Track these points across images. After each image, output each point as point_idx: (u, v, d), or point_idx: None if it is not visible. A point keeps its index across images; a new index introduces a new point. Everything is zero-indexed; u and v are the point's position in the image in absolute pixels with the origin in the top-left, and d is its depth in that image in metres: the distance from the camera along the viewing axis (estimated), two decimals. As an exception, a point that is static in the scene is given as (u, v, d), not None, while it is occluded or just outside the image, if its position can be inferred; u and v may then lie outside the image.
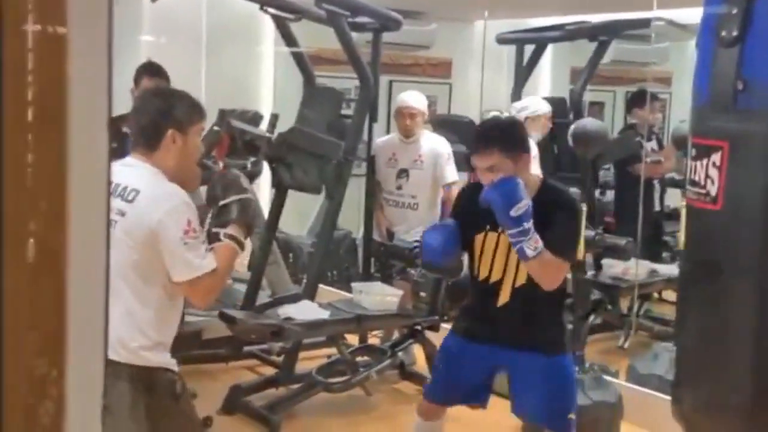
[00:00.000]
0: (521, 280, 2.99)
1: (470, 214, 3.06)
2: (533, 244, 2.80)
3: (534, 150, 5.14)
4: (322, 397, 4.46)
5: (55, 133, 0.62)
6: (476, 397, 3.26)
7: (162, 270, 2.35)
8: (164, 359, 2.40)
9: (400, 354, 4.72)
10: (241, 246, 2.54)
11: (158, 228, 2.31)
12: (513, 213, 2.78)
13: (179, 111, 2.46)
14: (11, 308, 0.65)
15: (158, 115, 2.44)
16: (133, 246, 2.31)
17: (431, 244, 3.09)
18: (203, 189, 2.76)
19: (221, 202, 2.56)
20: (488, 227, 3.00)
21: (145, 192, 2.35)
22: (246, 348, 4.93)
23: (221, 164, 4.18)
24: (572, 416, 3.07)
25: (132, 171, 2.40)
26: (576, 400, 3.23)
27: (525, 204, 2.79)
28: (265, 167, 4.62)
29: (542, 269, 2.89)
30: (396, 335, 5.04)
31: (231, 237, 2.50)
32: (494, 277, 3.04)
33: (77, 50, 0.68)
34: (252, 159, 4.39)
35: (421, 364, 4.88)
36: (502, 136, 2.99)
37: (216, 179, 2.66)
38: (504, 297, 3.03)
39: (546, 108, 5.29)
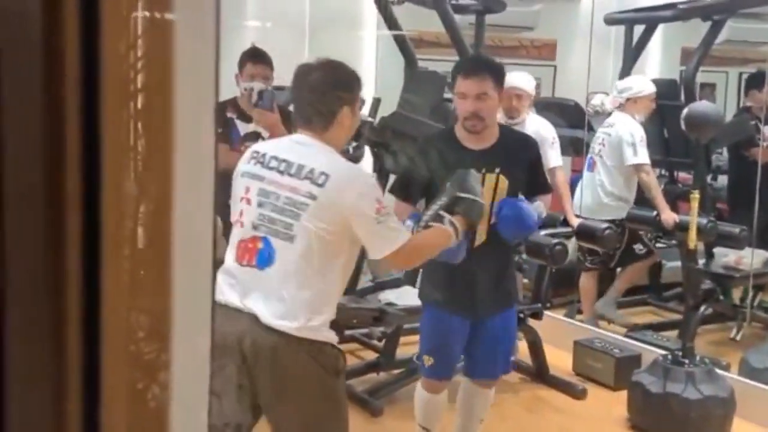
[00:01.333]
0: (480, 240, 3.13)
1: (434, 160, 3.16)
2: (540, 210, 3.13)
3: (640, 132, 5.02)
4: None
5: (162, 119, 0.60)
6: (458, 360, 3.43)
7: (346, 249, 2.42)
8: (331, 335, 2.45)
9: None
10: (457, 235, 2.67)
11: (352, 211, 2.35)
12: (535, 223, 3.08)
13: (350, 87, 2.47)
14: (118, 292, 0.63)
15: (332, 91, 2.41)
16: (323, 228, 2.35)
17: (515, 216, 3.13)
18: None
19: (459, 194, 2.73)
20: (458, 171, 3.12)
21: (335, 176, 2.36)
22: (347, 332, 4.94)
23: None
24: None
25: (310, 150, 2.41)
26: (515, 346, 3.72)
27: (534, 215, 3.04)
28: (367, 151, 4.61)
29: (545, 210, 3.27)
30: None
31: (451, 223, 2.66)
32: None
33: (185, 36, 0.66)
34: (354, 143, 4.38)
35: (523, 352, 4.81)
36: (496, 66, 3.14)
37: (463, 174, 2.81)
38: (481, 237, 3.12)
39: (650, 88, 5.12)
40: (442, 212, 2.69)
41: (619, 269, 5.49)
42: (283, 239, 2.37)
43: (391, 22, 5.00)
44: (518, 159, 3.15)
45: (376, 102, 4.63)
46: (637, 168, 5.06)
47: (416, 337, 4.93)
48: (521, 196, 3.11)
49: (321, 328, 2.40)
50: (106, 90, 0.54)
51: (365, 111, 4.57)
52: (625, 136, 5.05)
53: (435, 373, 3.33)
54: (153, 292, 0.65)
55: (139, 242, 0.64)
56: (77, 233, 0.57)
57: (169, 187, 0.59)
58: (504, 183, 3.09)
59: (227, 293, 2.41)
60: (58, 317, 0.56)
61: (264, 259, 2.39)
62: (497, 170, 3.08)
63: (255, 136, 4.01)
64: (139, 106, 0.64)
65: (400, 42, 5.11)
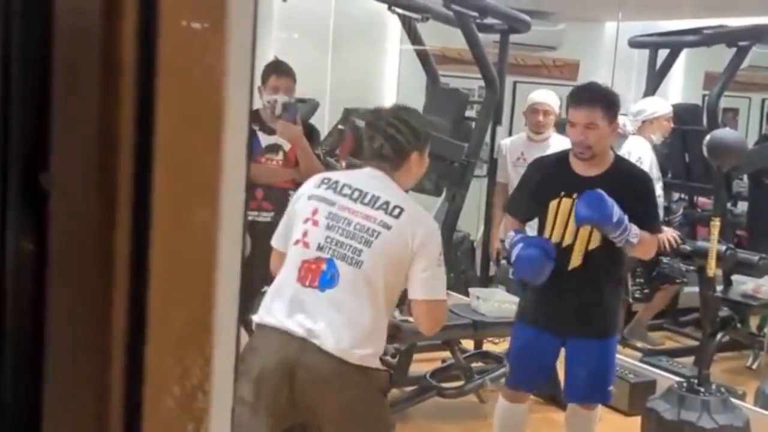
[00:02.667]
0: (594, 244, 3.14)
1: (544, 181, 3.26)
2: (634, 232, 3.01)
3: (640, 153, 5.01)
4: (436, 401, 4.42)
5: (207, 134, 0.60)
6: (543, 383, 3.63)
7: (400, 285, 2.47)
8: (379, 362, 2.49)
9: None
10: None
11: (420, 246, 2.40)
12: (615, 220, 2.96)
13: (423, 135, 2.56)
14: (160, 299, 0.63)
15: (408, 136, 2.51)
16: (390, 259, 2.41)
17: (530, 259, 3.16)
18: None
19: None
20: (563, 193, 3.15)
21: (409, 211, 2.44)
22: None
23: (343, 163, 4.20)
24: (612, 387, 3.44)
25: (383, 184, 2.49)
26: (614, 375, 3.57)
27: (616, 212, 2.96)
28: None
29: (642, 247, 3.15)
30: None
31: None
32: (566, 242, 3.17)
33: (228, 48, 0.66)
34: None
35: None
36: (607, 97, 3.17)
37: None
38: (576, 261, 3.15)
39: (665, 109, 5.11)
40: None
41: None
42: (349, 263, 2.40)
43: (414, 38, 5.02)
44: (626, 191, 3.11)
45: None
46: None
47: (429, 354, 4.92)
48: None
49: (374, 354, 2.43)
50: (160, 102, 0.54)
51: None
52: (624, 156, 5.06)
53: (511, 381, 3.46)
54: (193, 296, 0.65)
55: (185, 251, 0.64)
56: (126, 235, 0.57)
57: (215, 198, 0.59)
58: None
59: (278, 315, 2.42)
60: (105, 300, 0.56)
61: (326, 280, 2.41)
62: None
63: (276, 149, 4.02)
64: (184, 116, 0.64)
65: (423, 58, 5.13)
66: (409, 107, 2.67)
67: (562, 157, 3.33)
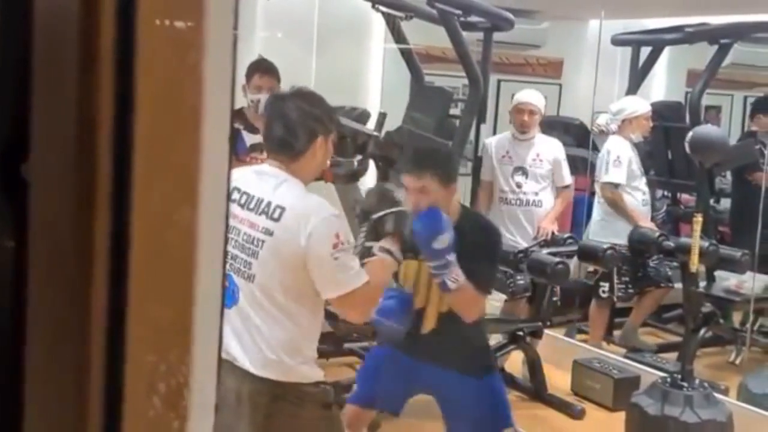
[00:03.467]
0: (446, 306, 2.97)
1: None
2: (454, 276, 2.77)
3: (618, 152, 5.01)
4: (422, 398, 4.42)
5: (186, 131, 0.60)
6: (394, 406, 3.35)
7: (311, 287, 2.27)
8: (316, 373, 2.35)
9: (499, 359, 4.64)
10: (396, 258, 2.52)
11: (307, 245, 2.21)
12: (436, 246, 2.73)
13: (326, 116, 2.38)
14: (139, 295, 0.63)
15: (308, 121, 2.32)
16: (282, 266, 2.23)
17: (389, 313, 2.90)
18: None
19: (375, 216, 2.55)
20: (410, 254, 2.88)
21: (291, 209, 2.24)
22: (346, 345, 4.94)
23: (327, 162, 4.19)
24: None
25: (270, 183, 2.30)
26: (510, 416, 3.23)
27: (448, 237, 2.75)
28: (371, 166, 4.61)
29: (462, 301, 2.88)
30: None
31: (385, 250, 2.49)
32: (419, 304, 3.01)
33: (207, 46, 0.66)
34: (358, 157, 4.39)
35: (521, 370, 4.79)
36: (438, 163, 2.96)
37: (369, 193, 2.67)
38: (429, 323, 3.03)
39: (644, 108, 5.15)
40: (368, 243, 2.53)
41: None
42: (244, 278, 2.26)
43: (398, 36, 5.02)
44: (471, 244, 2.87)
45: (382, 116, 4.63)
46: (602, 187, 5.10)
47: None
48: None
49: (302, 368, 2.30)
50: (139, 99, 0.54)
51: (371, 125, 4.58)
52: (603, 155, 5.12)
53: (354, 398, 3.26)
54: (172, 300, 0.65)
55: (163, 251, 0.64)
56: (105, 237, 0.57)
57: (194, 197, 0.59)
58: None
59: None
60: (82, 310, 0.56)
61: (229, 297, 2.25)
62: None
63: (260, 147, 4.01)
64: (160, 114, 0.64)
65: (407, 56, 5.13)
66: (309, 90, 2.45)
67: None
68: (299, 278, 2.24)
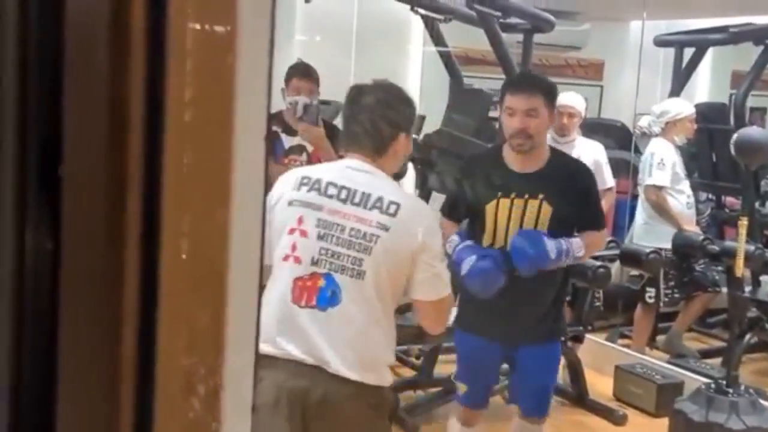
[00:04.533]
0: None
1: (478, 181, 3.06)
2: (576, 248, 2.90)
3: (663, 154, 4.95)
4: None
5: (218, 133, 0.60)
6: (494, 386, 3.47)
7: (403, 287, 2.22)
8: (390, 375, 2.29)
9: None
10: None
11: (423, 243, 2.15)
12: (553, 257, 2.84)
13: (408, 113, 2.30)
14: (168, 308, 0.63)
15: (391, 117, 2.23)
16: (393, 262, 2.16)
17: (483, 272, 2.91)
18: None
19: None
20: (500, 194, 2.95)
21: (407, 205, 2.18)
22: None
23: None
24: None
25: (369, 178, 2.21)
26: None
27: (554, 249, 2.83)
28: (410, 168, 4.60)
29: (589, 252, 3.06)
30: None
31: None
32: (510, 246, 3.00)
33: (241, 49, 0.66)
34: (398, 160, 4.37)
35: (562, 375, 4.74)
36: (549, 86, 3.01)
37: None
38: None
39: (688, 110, 5.08)
40: None
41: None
42: (351, 276, 2.14)
43: (437, 39, 5.01)
44: (567, 187, 2.95)
45: (421, 119, 4.62)
46: (646, 189, 5.03)
47: (454, 356, 4.90)
48: (543, 230, 2.92)
49: (387, 370, 2.25)
50: (170, 100, 0.54)
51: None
52: (647, 158, 5.05)
53: (470, 401, 3.27)
54: (203, 306, 0.65)
55: (186, 257, 0.64)
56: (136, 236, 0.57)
57: (226, 202, 0.58)
58: (547, 212, 2.92)
59: (281, 342, 2.15)
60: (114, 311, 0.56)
61: (325, 298, 2.14)
62: (540, 196, 2.92)
63: (299, 150, 4.03)
64: (191, 118, 0.64)
65: (446, 59, 5.12)
66: (391, 84, 2.33)
67: (494, 153, 3.12)
68: (403, 275, 2.19)
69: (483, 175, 3.03)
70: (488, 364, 3.22)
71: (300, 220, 2.18)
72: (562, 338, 3.32)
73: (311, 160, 4.02)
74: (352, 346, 2.15)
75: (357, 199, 2.17)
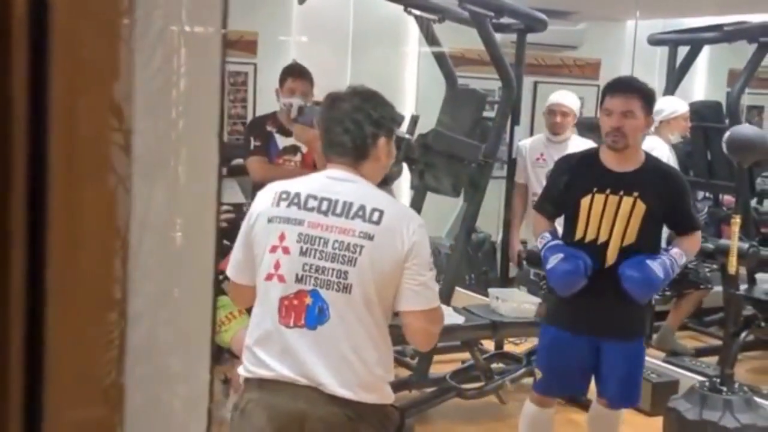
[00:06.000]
0: (630, 239, 3.10)
1: (573, 178, 3.21)
2: (678, 256, 3.10)
3: (667, 153, 4.96)
4: (455, 402, 4.41)
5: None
6: (581, 387, 3.55)
7: (393, 300, 2.13)
8: (391, 395, 2.21)
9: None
10: None
11: (411, 249, 2.08)
12: (663, 277, 3.04)
13: (388, 116, 2.24)
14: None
15: (369, 122, 2.16)
16: (380, 272, 2.08)
17: (566, 274, 3.12)
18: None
19: None
20: (595, 189, 3.11)
21: (390, 211, 2.11)
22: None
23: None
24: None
25: (351, 186, 2.15)
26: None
27: (660, 269, 3.02)
28: (405, 169, 4.60)
29: (690, 254, 3.27)
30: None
31: None
32: (602, 238, 3.12)
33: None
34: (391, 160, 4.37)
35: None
36: (646, 89, 3.15)
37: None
38: (611, 258, 3.12)
39: (682, 108, 5.08)
40: None
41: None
42: (337, 290, 2.07)
43: (432, 39, 5.01)
44: (660, 188, 3.12)
45: (415, 119, 4.62)
46: None
47: (449, 356, 4.91)
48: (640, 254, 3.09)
49: (386, 388, 2.16)
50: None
51: (404, 128, 4.57)
52: None
53: (543, 389, 3.41)
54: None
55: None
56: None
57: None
58: (641, 209, 3.08)
59: (273, 365, 2.10)
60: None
61: (313, 316, 2.08)
62: (635, 194, 3.08)
63: (293, 150, 4.05)
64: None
65: (440, 60, 5.12)
66: (367, 89, 2.26)
67: (591, 153, 3.30)
68: (393, 287, 2.10)
69: (579, 172, 3.20)
70: (570, 356, 3.28)
71: (281, 237, 2.12)
72: (643, 335, 3.42)
73: (305, 161, 4.04)
74: (346, 364, 2.07)
75: (339, 210, 2.10)
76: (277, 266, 2.11)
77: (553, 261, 3.11)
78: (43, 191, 0.57)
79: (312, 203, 2.12)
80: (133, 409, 0.69)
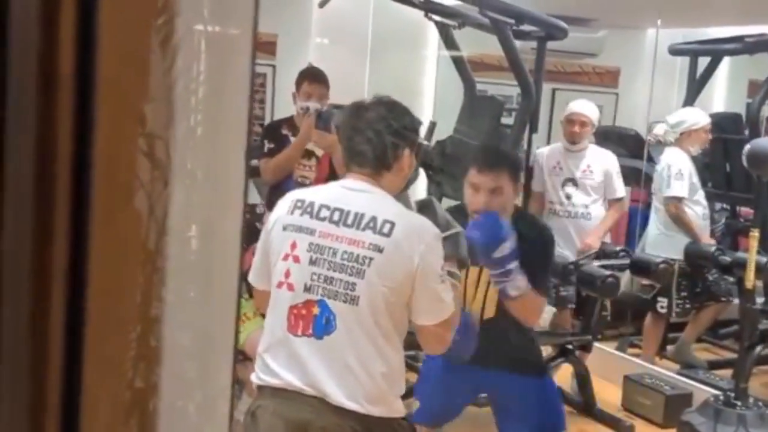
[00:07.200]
0: (489, 314, 2.92)
1: None
2: (516, 284, 2.69)
3: (679, 165, 4.92)
4: (468, 409, 4.38)
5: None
6: (454, 414, 3.32)
7: (406, 311, 2.11)
8: (401, 406, 2.17)
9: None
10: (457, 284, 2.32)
11: (420, 263, 2.04)
12: (496, 255, 2.63)
13: (411, 127, 2.21)
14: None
15: (395, 133, 2.13)
16: (390, 285, 2.05)
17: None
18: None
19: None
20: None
21: (402, 223, 2.06)
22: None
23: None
24: None
25: (365, 197, 2.12)
26: (564, 420, 3.25)
27: (509, 245, 2.64)
28: (421, 174, 4.60)
29: (523, 308, 2.80)
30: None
31: (452, 274, 2.26)
32: (487, 315, 2.93)
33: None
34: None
35: (570, 384, 4.72)
36: (513, 160, 2.96)
37: (427, 213, 2.40)
38: (489, 311, 2.93)
39: (704, 120, 5.05)
40: None
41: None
42: (344, 301, 2.05)
43: (451, 45, 5.00)
44: (527, 245, 2.75)
45: (432, 125, 4.62)
46: (666, 201, 5.00)
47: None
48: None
49: (396, 401, 2.12)
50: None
51: (421, 134, 4.56)
52: (663, 169, 5.02)
53: (421, 418, 3.12)
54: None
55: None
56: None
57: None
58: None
59: (281, 373, 2.10)
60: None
61: (321, 326, 2.06)
62: None
63: (309, 154, 4.04)
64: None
65: (460, 66, 5.11)
66: (392, 99, 2.23)
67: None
68: (403, 301, 2.07)
69: None
70: (448, 386, 3.12)
71: (293, 246, 2.11)
72: (544, 376, 3.17)
73: (321, 164, 4.04)
74: (353, 375, 2.04)
75: (350, 221, 2.08)
76: (287, 274, 2.11)
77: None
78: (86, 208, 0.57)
79: (324, 213, 2.11)
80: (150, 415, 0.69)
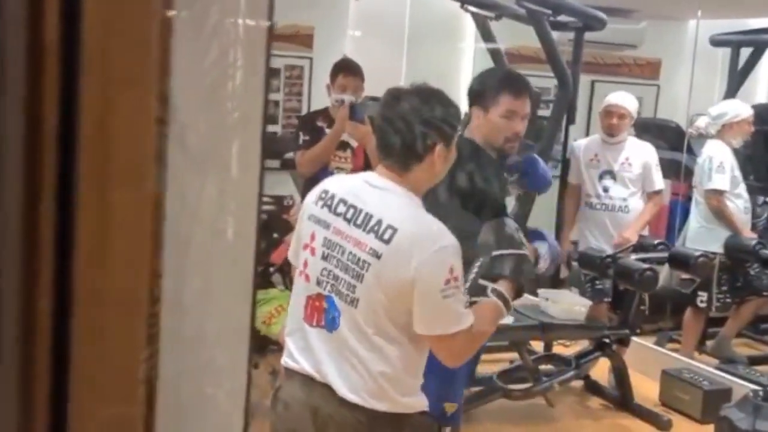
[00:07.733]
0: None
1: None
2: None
3: (721, 158, 4.84)
4: (502, 402, 4.37)
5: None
6: None
7: (409, 318, 2.00)
8: (421, 402, 2.09)
9: (585, 366, 4.55)
10: (508, 307, 2.16)
11: (416, 276, 1.92)
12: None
13: (447, 120, 2.04)
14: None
15: (427, 125, 2.00)
16: (387, 293, 1.96)
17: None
18: None
19: (495, 253, 2.24)
20: None
21: (405, 230, 1.94)
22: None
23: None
24: None
25: (381, 196, 2.02)
26: None
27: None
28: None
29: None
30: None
31: (499, 294, 2.14)
32: None
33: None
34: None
35: (607, 378, 4.69)
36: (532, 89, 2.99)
37: (492, 226, 2.31)
38: None
39: (746, 112, 4.96)
40: (482, 281, 2.19)
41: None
42: (346, 302, 2.00)
43: (488, 36, 4.97)
44: None
45: (467, 117, 4.58)
46: (707, 194, 4.92)
47: (497, 355, 4.87)
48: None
49: (403, 399, 2.05)
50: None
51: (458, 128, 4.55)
52: (705, 162, 4.95)
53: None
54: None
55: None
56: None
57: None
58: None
59: (298, 358, 2.11)
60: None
61: (330, 321, 2.04)
62: None
63: (344, 146, 4.05)
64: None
65: (496, 57, 5.08)
66: (430, 87, 2.07)
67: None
68: (406, 308, 1.97)
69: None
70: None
71: (312, 237, 2.08)
72: None
73: (356, 156, 4.04)
74: (355, 371, 2.01)
75: (360, 221, 2.00)
76: (305, 264, 2.10)
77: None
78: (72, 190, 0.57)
79: (341, 209, 2.05)
80: (177, 403, 0.70)
